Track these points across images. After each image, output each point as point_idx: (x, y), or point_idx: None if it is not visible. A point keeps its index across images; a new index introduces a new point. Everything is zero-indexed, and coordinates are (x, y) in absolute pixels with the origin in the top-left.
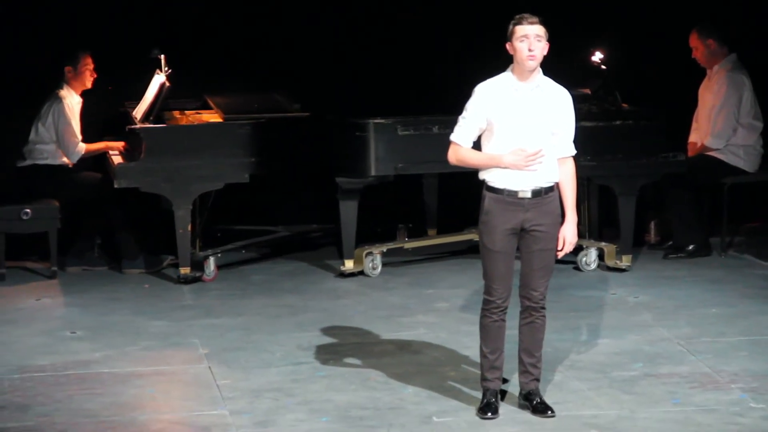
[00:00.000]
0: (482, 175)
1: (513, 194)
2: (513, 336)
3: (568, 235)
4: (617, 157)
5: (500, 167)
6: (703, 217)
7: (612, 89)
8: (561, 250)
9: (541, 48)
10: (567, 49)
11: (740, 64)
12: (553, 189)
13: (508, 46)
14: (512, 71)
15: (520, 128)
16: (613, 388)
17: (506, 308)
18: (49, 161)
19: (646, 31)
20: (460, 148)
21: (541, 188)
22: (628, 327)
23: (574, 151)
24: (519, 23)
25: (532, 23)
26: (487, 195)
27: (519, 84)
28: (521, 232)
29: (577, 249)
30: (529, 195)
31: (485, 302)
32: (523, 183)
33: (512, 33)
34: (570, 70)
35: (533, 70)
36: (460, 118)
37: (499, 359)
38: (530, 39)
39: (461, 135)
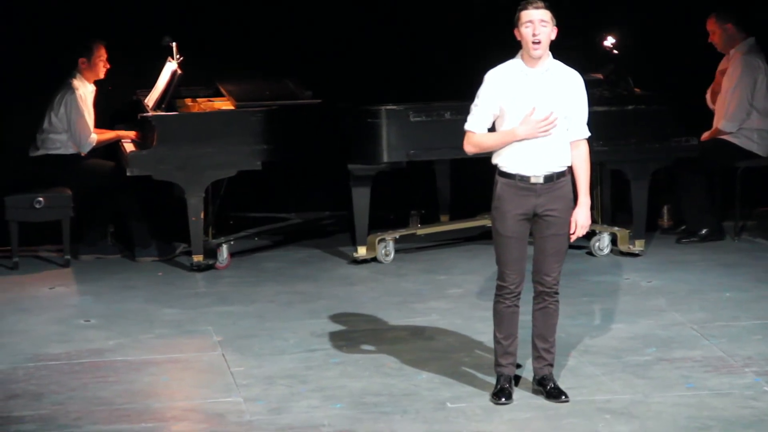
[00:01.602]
0: (494, 160)
1: (525, 179)
2: (527, 321)
3: (581, 218)
4: (630, 142)
5: (516, 141)
6: (716, 201)
7: (624, 74)
8: (573, 234)
9: (547, 33)
10: (580, 33)
11: (758, 48)
12: (566, 173)
13: (515, 32)
14: (521, 57)
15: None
16: (627, 373)
17: (519, 293)
18: (61, 151)
19: (658, 15)
20: (473, 134)
21: (554, 173)
22: (641, 312)
23: (587, 134)
24: (524, 8)
25: (537, 8)
26: (500, 180)
27: (528, 69)
28: (534, 217)
29: (590, 234)
30: (541, 180)
31: (498, 288)
32: (535, 168)
33: (518, 19)
34: (583, 54)
35: (540, 56)
36: (473, 107)
37: (512, 345)
38: (535, 24)
39: (475, 122)
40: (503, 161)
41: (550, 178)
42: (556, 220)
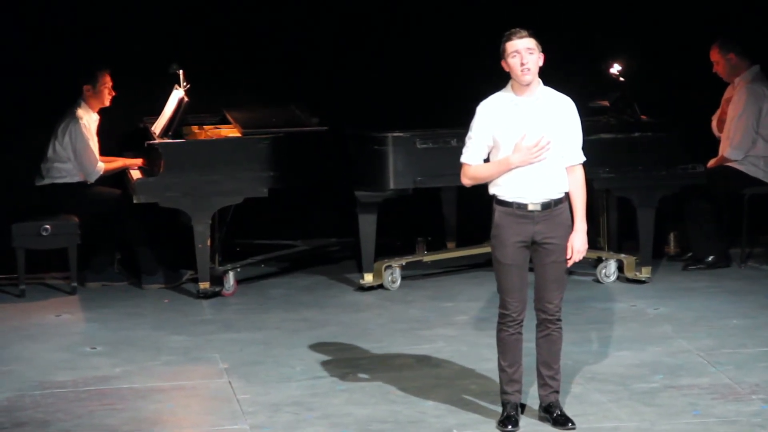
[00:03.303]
0: (492, 190)
1: (523, 207)
2: (531, 349)
3: (577, 243)
4: (636, 169)
5: (511, 169)
6: (722, 228)
7: (630, 101)
8: (570, 259)
9: (535, 60)
10: (586, 61)
11: (762, 76)
12: (563, 200)
13: (503, 63)
14: (511, 87)
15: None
16: (634, 400)
17: (522, 321)
18: (67, 179)
19: (664, 43)
20: (469, 167)
21: (551, 200)
22: (648, 339)
23: (582, 159)
24: (509, 39)
25: (521, 37)
26: (497, 209)
27: (519, 99)
28: (533, 245)
29: (597, 261)
30: (538, 207)
31: (501, 316)
32: (532, 195)
33: (504, 50)
34: (588, 82)
35: (530, 83)
36: (467, 139)
37: (517, 372)
38: (522, 53)
39: (471, 155)
40: (500, 190)
41: (547, 205)
42: (556, 247)
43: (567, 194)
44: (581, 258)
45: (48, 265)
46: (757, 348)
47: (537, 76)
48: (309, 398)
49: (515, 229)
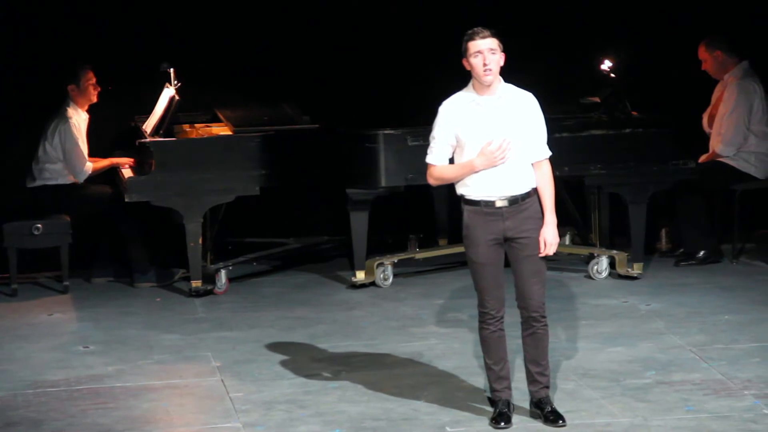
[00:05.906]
0: (459, 191)
1: (490, 204)
2: (519, 346)
3: (548, 236)
4: (628, 165)
5: (475, 172)
6: (714, 223)
7: (622, 97)
8: (543, 253)
9: (497, 60)
10: (577, 58)
11: (752, 72)
12: (531, 194)
13: (464, 62)
14: (473, 86)
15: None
16: (626, 396)
17: (502, 318)
18: (59, 181)
19: (655, 39)
20: (435, 167)
21: (518, 195)
22: (640, 335)
23: (548, 153)
24: (471, 39)
25: (484, 38)
26: (466, 208)
27: (481, 98)
28: (506, 242)
29: (589, 257)
30: (506, 204)
31: (480, 315)
32: (499, 192)
33: (466, 50)
34: (580, 78)
35: (491, 83)
36: (431, 139)
37: (504, 369)
38: (484, 54)
39: (435, 156)
40: (467, 190)
41: (514, 201)
42: (529, 241)
43: (534, 189)
44: (554, 251)
45: (40, 264)
46: (749, 343)
47: (498, 74)
48: (302, 396)
49: (485, 228)
